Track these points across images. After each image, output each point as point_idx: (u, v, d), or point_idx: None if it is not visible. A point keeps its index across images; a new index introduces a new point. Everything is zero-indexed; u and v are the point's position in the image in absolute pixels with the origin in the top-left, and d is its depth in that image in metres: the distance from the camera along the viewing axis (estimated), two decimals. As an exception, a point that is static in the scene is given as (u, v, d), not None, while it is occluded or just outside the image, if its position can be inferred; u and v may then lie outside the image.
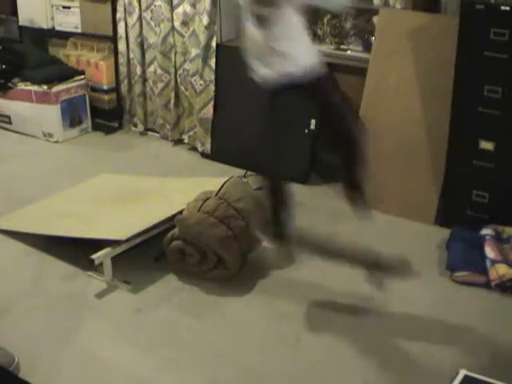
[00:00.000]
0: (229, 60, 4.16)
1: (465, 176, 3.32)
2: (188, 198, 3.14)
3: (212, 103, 4.24)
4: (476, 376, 1.90)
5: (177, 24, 4.26)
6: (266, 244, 2.99)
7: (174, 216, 3.05)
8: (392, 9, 3.60)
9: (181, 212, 3.04)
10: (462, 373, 1.90)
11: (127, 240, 2.95)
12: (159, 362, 2.44)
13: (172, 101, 4.44)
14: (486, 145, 3.21)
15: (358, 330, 2.65)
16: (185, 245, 2.91)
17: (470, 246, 3.07)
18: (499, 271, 2.86)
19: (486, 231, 3.12)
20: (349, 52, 3.94)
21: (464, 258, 3.02)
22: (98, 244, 2.95)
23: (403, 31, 3.48)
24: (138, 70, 4.58)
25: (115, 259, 2.96)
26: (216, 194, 3.03)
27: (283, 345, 2.55)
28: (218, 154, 4.29)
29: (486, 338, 2.60)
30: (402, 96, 3.52)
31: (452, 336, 2.61)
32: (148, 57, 4.53)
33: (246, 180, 3.80)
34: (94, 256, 2.83)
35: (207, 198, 3.01)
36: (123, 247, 2.96)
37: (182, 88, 4.41)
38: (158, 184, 3.77)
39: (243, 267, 3.00)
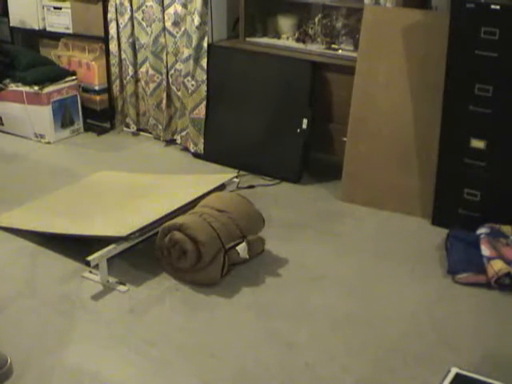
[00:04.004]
0: (220, 60, 4.16)
1: (456, 174, 3.33)
2: (187, 194, 3.16)
3: (204, 103, 4.24)
4: (467, 374, 1.91)
5: (168, 24, 4.26)
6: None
7: (173, 212, 3.09)
8: (378, 6, 3.59)
9: (180, 208, 3.10)
10: (454, 371, 1.91)
11: (127, 236, 2.95)
12: (152, 363, 2.44)
13: (164, 101, 4.44)
14: (477, 143, 3.22)
15: (352, 329, 2.65)
16: (168, 239, 2.93)
17: (469, 247, 3.06)
18: (495, 267, 2.87)
19: (482, 230, 3.13)
20: (340, 51, 3.94)
21: (464, 260, 3.01)
22: (92, 242, 2.96)
23: (390, 28, 3.46)
24: (130, 71, 4.58)
25: (110, 260, 2.96)
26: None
27: (275, 344, 2.55)
28: (210, 154, 4.29)
29: (485, 338, 2.60)
30: (392, 94, 3.52)
31: (452, 336, 2.61)
32: (140, 57, 4.52)
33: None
34: (89, 258, 2.82)
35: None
36: (119, 249, 2.96)
37: (174, 88, 4.41)
38: (157, 181, 3.78)
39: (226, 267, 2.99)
